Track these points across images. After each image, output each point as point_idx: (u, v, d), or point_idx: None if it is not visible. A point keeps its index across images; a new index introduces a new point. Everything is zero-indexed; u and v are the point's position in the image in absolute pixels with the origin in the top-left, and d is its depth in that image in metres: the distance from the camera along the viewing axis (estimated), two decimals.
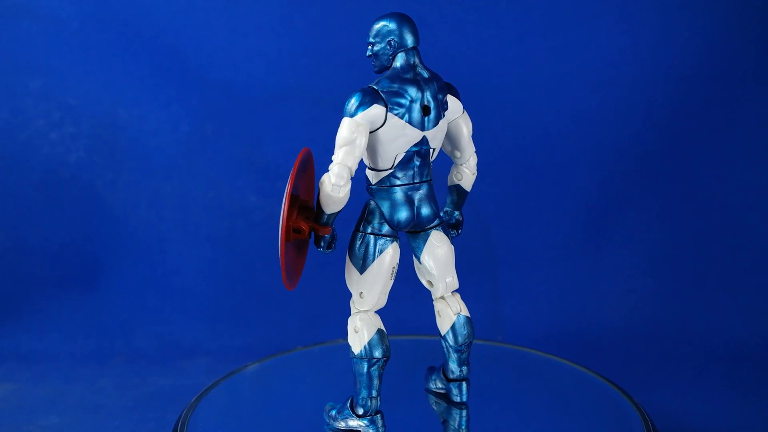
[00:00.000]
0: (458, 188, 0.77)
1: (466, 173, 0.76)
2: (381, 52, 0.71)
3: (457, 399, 0.76)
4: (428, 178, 0.73)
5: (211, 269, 1.27)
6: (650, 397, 0.97)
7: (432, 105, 0.70)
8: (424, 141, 0.70)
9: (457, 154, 0.76)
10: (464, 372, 0.76)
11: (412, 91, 0.69)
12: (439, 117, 0.71)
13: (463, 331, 0.74)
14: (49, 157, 1.27)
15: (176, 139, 1.28)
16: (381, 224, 0.71)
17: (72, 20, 1.26)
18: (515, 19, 1.25)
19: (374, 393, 0.71)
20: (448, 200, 0.79)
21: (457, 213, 0.79)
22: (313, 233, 0.71)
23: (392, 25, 0.71)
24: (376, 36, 0.71)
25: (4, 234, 1.27)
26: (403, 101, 0.69)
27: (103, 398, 1.04)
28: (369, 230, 0.71)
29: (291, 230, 0.69)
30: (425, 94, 0.70)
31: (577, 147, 1.26)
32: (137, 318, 1.23)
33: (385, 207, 0.71)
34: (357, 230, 0.72)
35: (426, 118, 0.70)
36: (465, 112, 0.74)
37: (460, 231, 0.80)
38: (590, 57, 1.25)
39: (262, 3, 1.26)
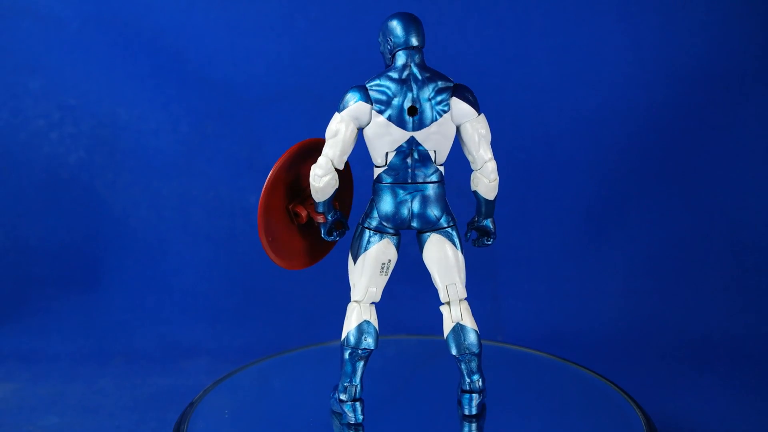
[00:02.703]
0: (477, 195, 0.74)
1: (482, 180, 0.72)
2: (383, 51, 0.72)
3: (465, 412, 0.75)
4: (433, 180, 0.72)
5: (211, 269, 1.27)
6: (650, 397, 0.97)
7: (420, 106, 0.69)
8: (413, 141, 0.70)
9: (470, 159, 0.73)
10: (475, 384, 0.74)
11: (398, 91, 0.69)
12: (431, 119, 0.70)
13: (459, 341, 0.73)
14: (49, 157, 1.27)
15: (176, 139, 1.28)
16: (376, 219, 0.73)
17: (72, 20, 1.26)
18: (516, 19, 1.25)
19: (354, 381, 0.74)
20: (476, 207, 0.75)
21: (486, 221, 0.75)
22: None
23: (393, 24, 0.71)
24: (381, 35, 0.72)
25: (4, 234, 1.27)
26: (386, 99, 0.69)
27: (103, 398, 1.04)
28: (366, 224, 0.73)
29: (292, 213, 0.75)
30: (412, 95, 0.69)
31: (577, 147, 1.26)
32: (137, 318, 1.23)
33: (380, 203, 0.72)
34: (359, 223, 0.74)
35: (412, 119, 0.70)
36: (480, 116, 0.71)
37: (489, 240, 0.76)
38: (590, 57, 1.25)
39: (262, 3, 1.26)
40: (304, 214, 0.75)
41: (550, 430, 0.77)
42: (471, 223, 0.76)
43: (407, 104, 0.69)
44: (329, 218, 0.74)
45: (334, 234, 0.75)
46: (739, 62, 1.23)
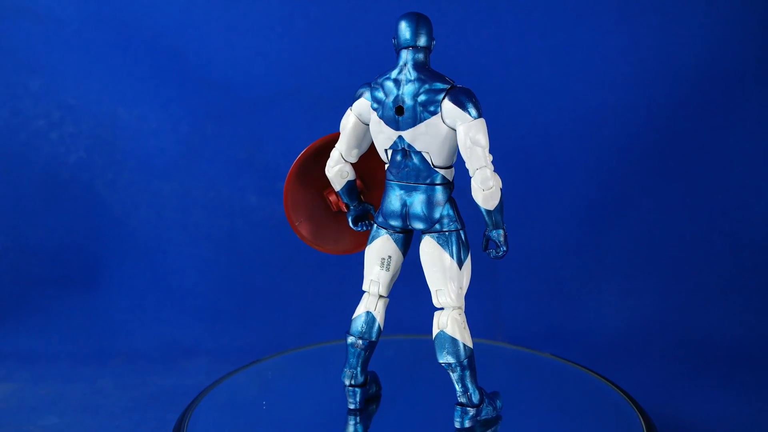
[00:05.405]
0: (477, 206, 0.69)
1: (478, 189, 0.68)
2: (394, 49, 0.72)
3: (456, 425, 0.73)
4: (434, 182, 0.71)
5: (211, 269, 1.27)
6: (650, 397, 0.97)
7: (407, 105, 0.69)
8: (402, 141, 0.70)
9: (466, 166, 0.68)
10: (467, 395, 0.72)
11: (389, 89, 0.70)
12: (418, 119, 0.68)
13: (440, 349, 0.71)
14: (49, 157, 1.27)
15: (176, 139, 1.28)
16: (381, 215, 0.74)
17: (72, 20, 1.26)
18: (515, 19, 1.25)
19: (356, 370, 0.76)
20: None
21: (493, 232, 0.70)
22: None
23: (399, 24, 0.71)
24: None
25: (4, 234, 1.27)
26: (379, 97, 0.70)
27: (103, 398, 1.04)
28: (375, 218, 0.75)
29: (327, 199, 0.80)
30: (400, 94, 0.69)
31: (577, 147, 1.26)
32: (137, 318, 1.23)
33: (384, 199, 0.74)
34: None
35: (399, 118, 0.69)
36: (476, 121, 0.67)
37: (498, 252, 0.71)
38: (590, 57, 1.25)
39: (262, 3, 1.26)
40: (333, 200, 0.79)
41: (550, 430, 0.77)
42: (485, 232, 0.72)
43: (395, 103, 0.69)
44: (351, 208, 0.77)
45: (360, 224, 0.78)
46: (739, 62, 1.23)
